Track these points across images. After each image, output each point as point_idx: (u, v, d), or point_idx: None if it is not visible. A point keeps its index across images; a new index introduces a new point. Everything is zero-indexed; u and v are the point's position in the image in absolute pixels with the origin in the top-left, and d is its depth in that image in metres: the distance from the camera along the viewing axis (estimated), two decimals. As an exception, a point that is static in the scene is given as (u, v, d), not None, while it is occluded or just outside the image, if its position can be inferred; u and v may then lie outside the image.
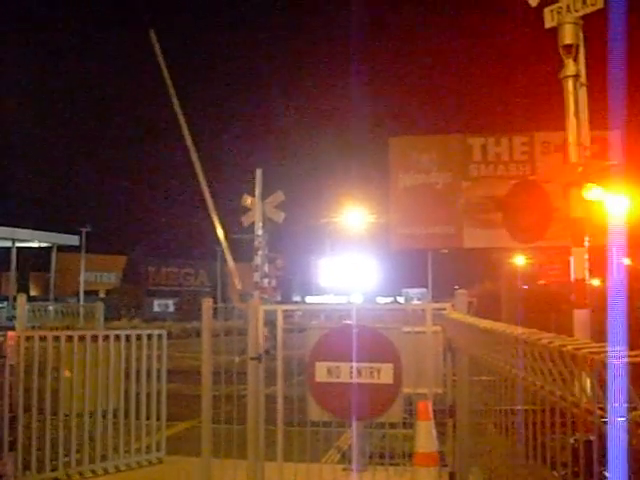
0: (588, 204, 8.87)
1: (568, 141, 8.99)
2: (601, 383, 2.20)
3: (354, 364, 6.51)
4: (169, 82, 19.02)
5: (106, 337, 7.62)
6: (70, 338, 7.34)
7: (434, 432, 5.75)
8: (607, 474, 2.29)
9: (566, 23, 8.80)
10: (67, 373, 7.23)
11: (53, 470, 7.22)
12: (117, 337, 7.67)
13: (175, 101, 18.49)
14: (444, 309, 6.64)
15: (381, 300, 62.92)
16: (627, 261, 9.82)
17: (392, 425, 7.10)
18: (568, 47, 8.82)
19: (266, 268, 23.44)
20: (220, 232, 19.04)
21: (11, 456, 7.02)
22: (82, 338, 7.35)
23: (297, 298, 72.40)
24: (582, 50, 9.02)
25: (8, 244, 55.88)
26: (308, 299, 69.42)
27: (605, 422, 2.21)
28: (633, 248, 8.87)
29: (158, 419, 7.59)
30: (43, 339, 7.27)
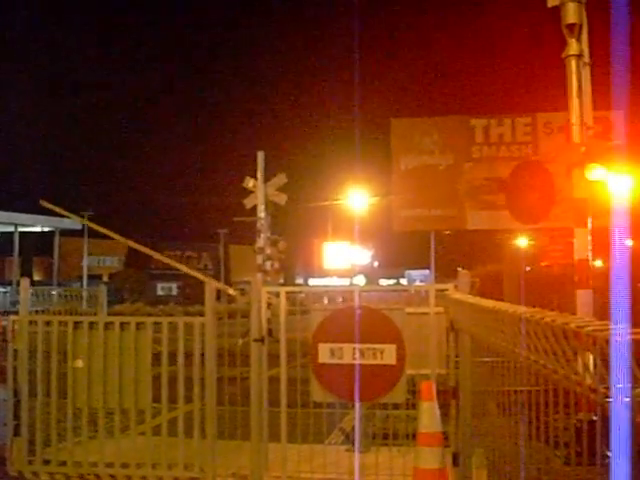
0: (591, 184, 8.85)
1: (571, 121, 8.95)
2: (604, 361, 2.19)
3: (357, 345, 6.51)
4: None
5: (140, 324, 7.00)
6: (78, 324, 7.13)
7: (437, 412, 5.76)
8: (609, 453, 2.29)
9: (569, 2, 8.73)
10: (79, 363, 7.08)
11: (61, 464, 6.99)
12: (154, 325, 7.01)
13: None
14: (447, 290, 6.63)
15: (384, 282, 62.99)
16: (630, 242, 9.80)
17: (395, 406, 7.12)
18: (571, 26, 8.75)
19: (268, 250, 23.43)
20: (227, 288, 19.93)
21: (15, 441, 7.04)
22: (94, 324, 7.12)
23: (300, 280, 72.46)
24: (585, 29, 8.95)
25: (11, 229, 55.89)
26: (311, 282, 69.49)
27: (609, 401, 2.20)
28: (636, 228, 8.85)
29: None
30: (52, 324, 7.16)
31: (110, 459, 6.88)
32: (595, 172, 8.74)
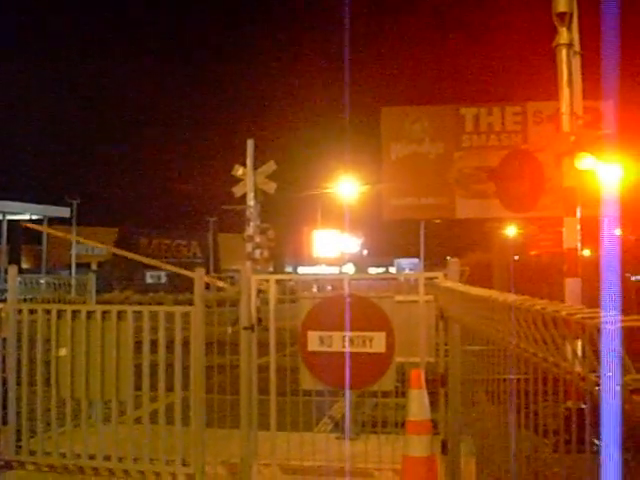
0: (580, 173, 8.86)
1: (561, 110, 8.95)
2: (594, 349, 2.20)
3: (346, 333, 6.52)
4: None
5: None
6: (65, 313, 7.02)
7: (426, 400, 5.77)
8: (597, 442, 2.30)
9: (560, -10, 8.71)
10: (63, 351, 7.00)
11: (46, 454, 6.90)
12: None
13: None
14: (436, 278, 6.64)
15: (373, 271, 63.08)
16: (618, 231, 9.84)
17: (384, 394, 7.14)
18: (562, 15, 8.74)
19: (258, 239, 23.42)
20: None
21: (2, 430, 7.01)
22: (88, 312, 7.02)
23: (289, 269, 72.50)
24: (576, 18, 8.94)
25: (-1, 217, 55.65)
26: (300, 270, 69.50)
27: (598, 388, 2.21)
28: (625, 218, 8.88)
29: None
30: (45, 312, 7.08)
31: (93, 450, 6.78)
32: (585, 161, 8.76)
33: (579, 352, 2.42)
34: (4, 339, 7.12)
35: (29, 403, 6.99)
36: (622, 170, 11.08)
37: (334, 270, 56.56)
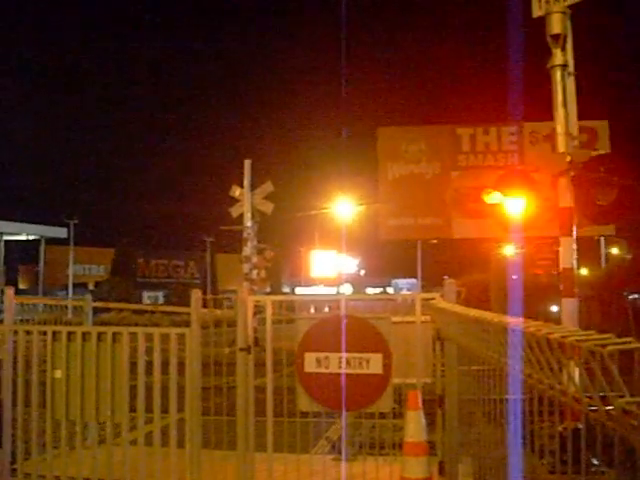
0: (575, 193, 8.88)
1: (556, 131, 8.99)
2: (589, 371, 2.20)
3: (343, 354, 6.51)
4: None
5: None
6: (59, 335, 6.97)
7: (423, 422, 5.76)
8: (595, 461, 2.30)
9: (554, 12, 8.79)
10: (58, 373, 6.96)
11: (41, 477, 6.85)
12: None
13: None
14: (433, 299, 6.64)
15: (370, 291, 62.97)
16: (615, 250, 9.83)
17: (382, 415, 7.11)
18: (556, 37, 8.81)
19: (255, 259, 23.41)
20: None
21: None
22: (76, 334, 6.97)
23: (287, 289, 72.38)
24: (570, 40, 9.00)
25: (-4, 237, 55.56)
26: (298, 290, 69.41)
27: (593, 410, 2.21)
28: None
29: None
30: (40, 333, 7.04)
31: (88, 473, 6.72)
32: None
33: (574, 374, 2.42)
34: (0, 360, 7.09)
35: (24, 425, 6.95)
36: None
37: (332, 290, 56.49)
